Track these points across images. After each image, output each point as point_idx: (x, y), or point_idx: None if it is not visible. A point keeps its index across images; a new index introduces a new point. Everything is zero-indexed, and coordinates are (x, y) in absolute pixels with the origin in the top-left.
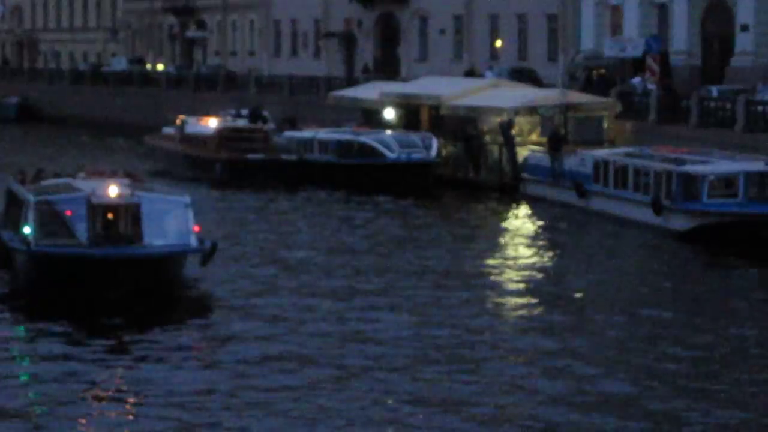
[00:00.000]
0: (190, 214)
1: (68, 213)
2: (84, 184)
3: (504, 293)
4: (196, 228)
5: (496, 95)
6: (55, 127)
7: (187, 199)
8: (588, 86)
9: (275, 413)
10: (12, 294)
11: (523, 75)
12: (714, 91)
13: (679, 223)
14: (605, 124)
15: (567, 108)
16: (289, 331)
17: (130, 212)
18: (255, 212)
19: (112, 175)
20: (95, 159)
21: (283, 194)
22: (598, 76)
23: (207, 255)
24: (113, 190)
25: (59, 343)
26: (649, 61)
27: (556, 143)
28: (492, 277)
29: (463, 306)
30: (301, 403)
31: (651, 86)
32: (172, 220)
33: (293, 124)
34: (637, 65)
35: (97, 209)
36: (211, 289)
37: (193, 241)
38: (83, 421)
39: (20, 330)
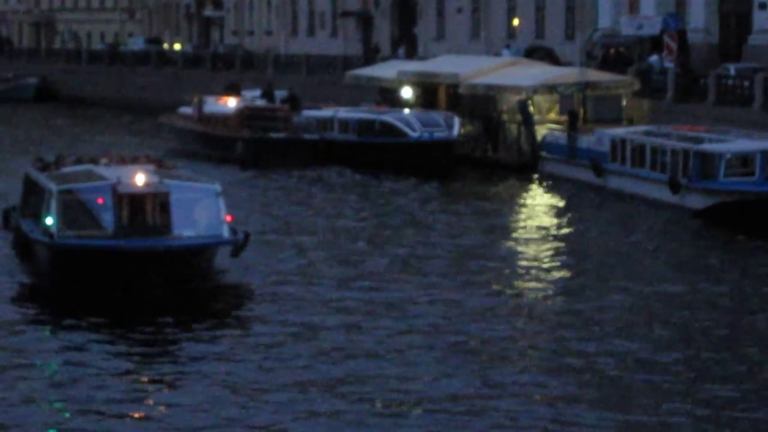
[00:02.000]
0: (222, 202)
1: (96, 202)
2: (108, 172)
3: (521, 272)
4: (228, 218)
5: (514, 74)
6: (73, 108)
7: (218, 187)
8: (605, 64)
9: (307, 411)
10: (32, 289)
11: (540, 53)
12: (732, 69)
13: (695, 201)
14: (623, 103)
15: (585, 86)
16: (324, 326)
17: (158, 201)
18: (281, 193)
19: (136, 161)
20: (112, 139)
21: (306, 174)
22: (615, 55)
23: (239, 246)
24: (140, 178)
25: (84, 341)
26: (667, 39)
27: (573, 121)
28: (509, 257)
29: (482, 287)
30: (337, 399)
31: (668, 64)
32: (203, 210)
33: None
34: (655, 43)
35: (124, 198)
36: (242, 282)
37: (225, 232)
38: (110, 420)
39: (42, 327)
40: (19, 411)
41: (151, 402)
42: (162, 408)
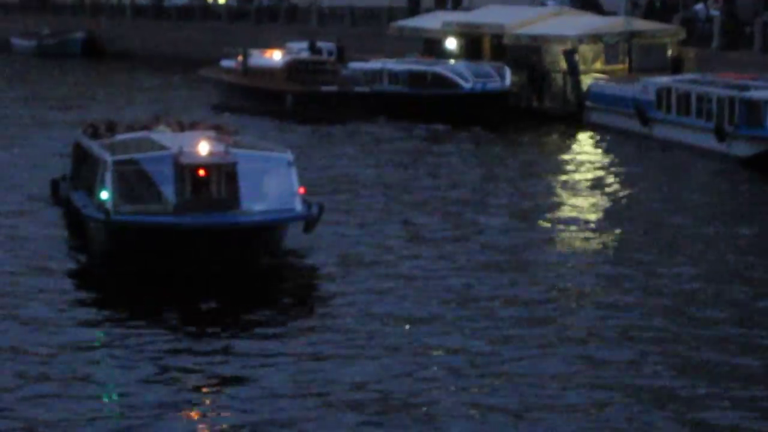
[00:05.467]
0: (294, 173)
1: (156, 174)
2: (168, 139)
3: (569, 224)
4: (301, 190)
5: (559, 23)
6: (119, 63)
7: (290, 155)
8: (650, 13)
9: (387, 407)
10: (86, 270)
11: (586, 3)
12: None
13: (742, 149)
14: (669, 52)
15: (631, 35)
16: (403, 309)
17: (224, 173)
18: (342, 149)
19: (195, 126)
20: (157, 95)
21: (360, 127)
22: (660, 3)
23: (313, 221)
24: (204, 147)
25: (143, 327)
26: None
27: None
28: (557, 209)
29: (533, 239)
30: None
31: (714, 12)
32: (273, 181)
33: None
34: None
35: (187, 170)
36: (316, 260)
37: (298, 206)
38: (172, 409)
39: (97, 313)
40: (70, 405)
41: (216, 392)
42: (229, 397)
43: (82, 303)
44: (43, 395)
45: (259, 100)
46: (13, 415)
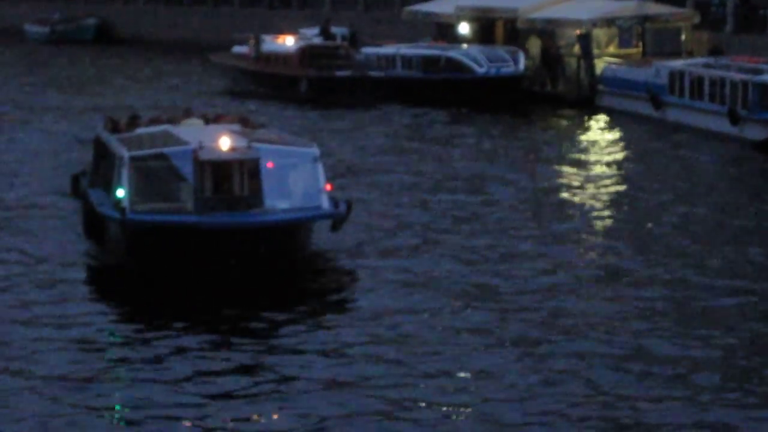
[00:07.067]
0: (320, 168)
1: (173, 171)
2: (188, 134)
3: (581, 206)
4: (328, 186)
5: (573, 7)
6: (131, 49)
7: (315, 150)
8: None
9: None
10: (103, 272)
11: None
12: None
13: (755, 132)
14: (683, 35)
15: (645, 19)
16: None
17: (246, 169)
18: (360, 135)
19: (219, 119)
20: (167, 81)
21: (375, 112)
22: None
23: (341, 219)
24: (225, 142)
25: (162, 334)
26: None
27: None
28: (568, 191)
29: (541, 223)
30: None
31: None
32: (299, 178)
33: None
34: None
35: (207, 166)
36: (342, 260)
37: (325, 203)
38: (190, 415)
39: (115, 317)
40: (82, 404)
41: (242, 405)
42: (256, 410)
43: (98, 303)
44: (54, 393)
45: (272, 86)
46: (22, 413)
